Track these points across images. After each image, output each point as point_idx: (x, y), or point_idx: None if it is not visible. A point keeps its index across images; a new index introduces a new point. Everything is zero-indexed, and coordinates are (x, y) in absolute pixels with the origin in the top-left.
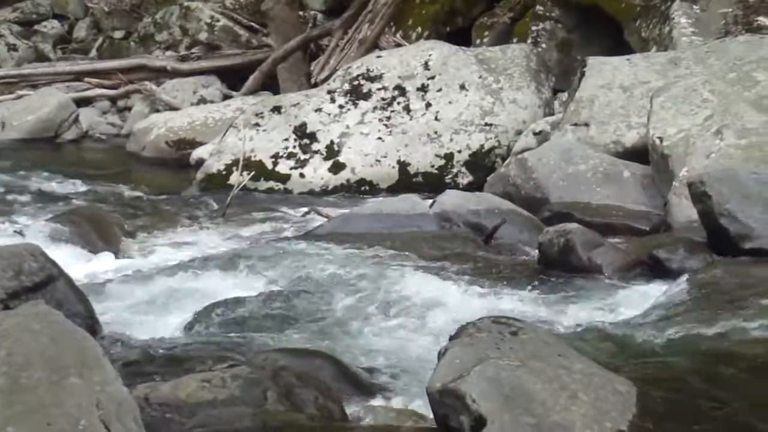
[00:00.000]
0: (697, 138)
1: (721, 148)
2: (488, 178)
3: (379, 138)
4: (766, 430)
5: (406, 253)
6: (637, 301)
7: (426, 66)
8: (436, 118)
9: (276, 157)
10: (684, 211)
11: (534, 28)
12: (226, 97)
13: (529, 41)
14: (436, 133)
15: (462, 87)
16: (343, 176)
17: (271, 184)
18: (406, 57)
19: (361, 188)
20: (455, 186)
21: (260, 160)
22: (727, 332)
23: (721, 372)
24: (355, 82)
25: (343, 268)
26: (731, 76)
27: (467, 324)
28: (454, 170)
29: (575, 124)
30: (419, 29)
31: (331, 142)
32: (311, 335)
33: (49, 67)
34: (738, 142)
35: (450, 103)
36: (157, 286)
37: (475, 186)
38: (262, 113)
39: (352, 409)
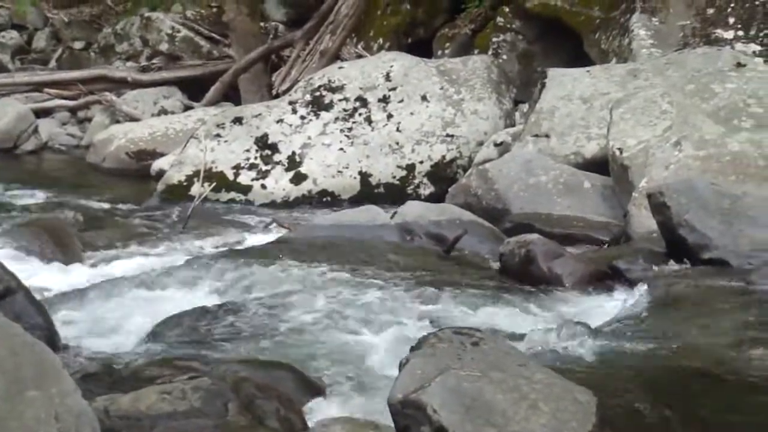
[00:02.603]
0: (656, 149)
1: (680, 159)
2: (450, 189)
3: (341, 149)
4: None
5: (367, 264)
6: (596, 311)
7: (387, 77)
8: (397, 129)
9: (237, 168)
10: (644, 221)
11: (495, 39)
12: (187, 108)
13: (490, 53)
14: (397, 144)
15: (423, 98)
16: (305, 187)
17: (233, 195)
18: (368, 68)
19: (323, 199)
20: (417, 197)
21: (221, 171)
22: (686, 342)
23: (680, 382)
24: (317, 93)
25: (304, 279)
26: (690, 88)
27: (428, 334)
28: (416, 181)
29: (536, 135)
30: (381, 40)
31: (293, 153)
32: (272, 346)
33: (8, 77)
34: (696, 153)
35: (411, 114)
36: (117, 297)
37: (437, 197)
38: (223, 124)
39: (313, 421)
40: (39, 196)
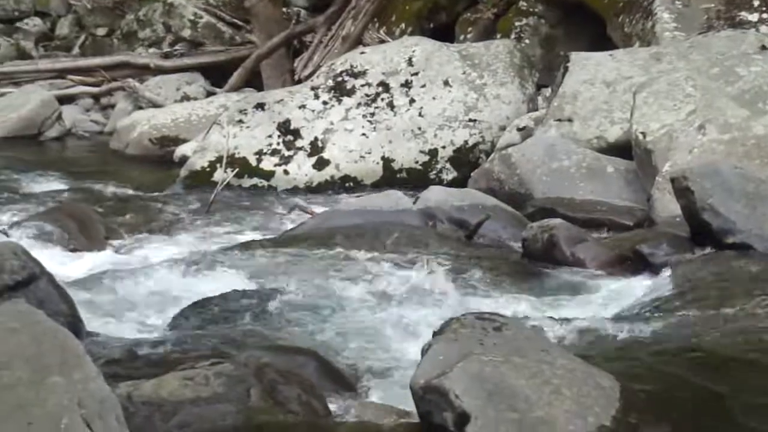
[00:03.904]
0: (679, 133)
1: (704, 143)
2: (472, 174)
3: (363, 134)
4: (747, 423)
5: (389, 249)
6: (620, 296)
7: (410, 62)
8: (420, 114)
9: (260, 153)
10: (667, 206)
11: (517, 23)
12: (209, 94)
13: (512, 37)
14: (420, 129)
15: (446, 83)
16: (328, 172)
17: (255, 181)
18: (390, 53)
19: (346, 184)
20: (439, 182)
21: (244, 157)
22: (709, 327)
23: (703, 367)
24: (339, 79)
25: (326, 265)
26: (714, 71)
27: (451, 320)
28: (438, 166)
29: (559, 120)
30: (403, 25)
31: (315, 138)
32: (295, 332)
33: (32, 64)
34: (720, 137)
35: (434, 99)
36: (141, 284)
37: (459, 182)
38: (245, 110)
39: (335, 406)
40: (63, 183)
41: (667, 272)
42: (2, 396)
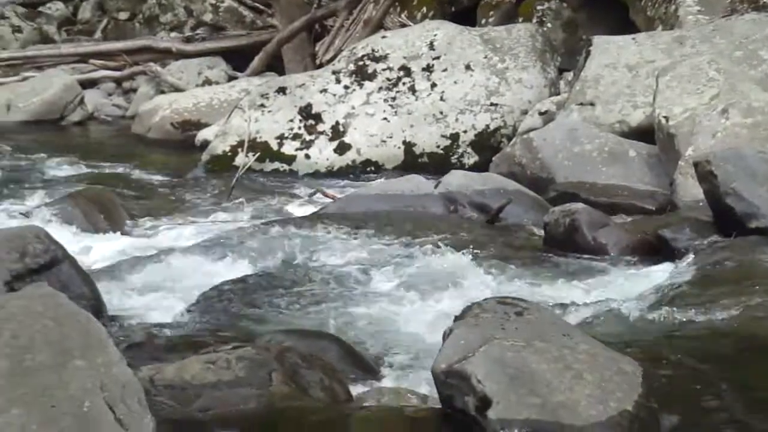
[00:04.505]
0: (702, 117)
1: (727, 127)
2: (494, 159)
3: (385, 118)
4: None
5: (411, 234)
6: (642, 280)
7: (431, 46)
8: (441, 99)
9: (281, 138)
10: (690, 190)
11: (539, 7)
12: (231, 78)
13: (534, 21)
14: (441, 113)
15: (467, 67)
16: (349, 157)
17: (277, 165)
18: (412, 37)
19: (367, 169)
20: (461, 166)
21: (265, 141)
22: (732, 312)
23: (727, 352)
24: (360, 63)
25: (348, 249)
26: (737, 55)
27: (472, 304)
28: (460, 150)
29: (581, 104)
30: (424, 9)
31: (337, 122)
32: (316, 316)
33: (54, 48)
34: (744, 121)
35: (455, 83)
36: (162, 267)
37: (481, 166)
38: (267, 94)
39: (357, 390)
40: (85, 167)
41: (689, 257)
42: (26, 379)
